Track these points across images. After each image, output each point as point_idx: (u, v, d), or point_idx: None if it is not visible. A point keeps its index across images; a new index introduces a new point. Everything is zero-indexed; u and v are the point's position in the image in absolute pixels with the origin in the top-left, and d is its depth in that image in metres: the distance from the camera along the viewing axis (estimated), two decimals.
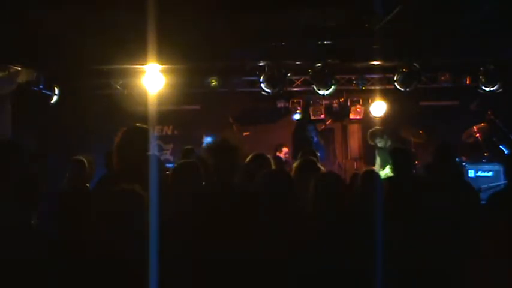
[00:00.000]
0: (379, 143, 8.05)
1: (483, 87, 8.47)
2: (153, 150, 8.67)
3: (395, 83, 8.49)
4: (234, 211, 3.56)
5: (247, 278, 3.21)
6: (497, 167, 7.68)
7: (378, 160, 8.01)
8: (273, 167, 4.56)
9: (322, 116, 9.46)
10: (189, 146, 7.12)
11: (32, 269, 2.99)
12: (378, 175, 4.95)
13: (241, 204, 3.63)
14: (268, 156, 4.71)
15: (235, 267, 3.21)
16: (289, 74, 8.64)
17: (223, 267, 3.22)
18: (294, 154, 9.06)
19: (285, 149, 8.56)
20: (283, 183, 3.57)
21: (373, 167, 7.72)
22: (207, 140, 8.61)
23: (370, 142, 8.18)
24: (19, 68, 7.37)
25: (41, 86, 8.29)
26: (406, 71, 8.32)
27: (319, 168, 4.49)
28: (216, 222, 3.44)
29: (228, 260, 3.24)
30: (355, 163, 9.27)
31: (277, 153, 8.27)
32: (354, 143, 9.43)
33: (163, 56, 7.88)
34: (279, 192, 3.50)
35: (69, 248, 3.22)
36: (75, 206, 3.80)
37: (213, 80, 8.64)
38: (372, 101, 9.31)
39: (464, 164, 7.77)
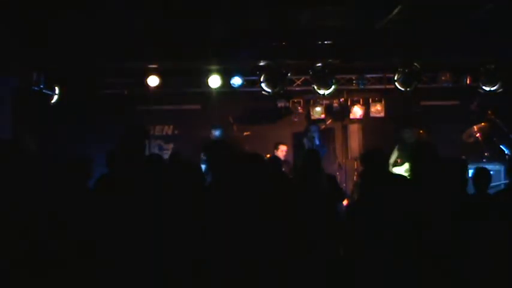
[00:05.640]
0: (406, 134, 8.10)
1: (483, 87, 8.48)
2: (153, 149, 8.74)
3: (396, 83, 8.49)
4: None
5: None
6: (497, 166, 7.66)
7: (394, 156, 8.04)
8: None
9: (323, 116, 9.46)
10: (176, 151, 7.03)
11: None
12: None
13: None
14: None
15: None
16: (289, 74, 8.64)
17: None
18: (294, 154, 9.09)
19: (282, 147, 8.47)
20: None
21: None
22: (216, 133, 8.52)
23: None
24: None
25: (41, 86, 8.29)
26: (407, 70, 8.32)
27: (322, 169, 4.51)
28: None
29: None
30: (355, 163, 9.26)
31: (275, 152, 8.23)
32: (354, 142, 9.41)
33: (164, 55, 7.94)
34: None
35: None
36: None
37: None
38: (373, 100, 9.32)
39: None
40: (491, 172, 7.55)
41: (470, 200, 3.79)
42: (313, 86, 8.57)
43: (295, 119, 9.56)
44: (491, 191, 4.28)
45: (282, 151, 8.35)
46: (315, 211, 3.99)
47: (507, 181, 4.00)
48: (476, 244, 3.45)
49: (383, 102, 9.31)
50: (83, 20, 6.62)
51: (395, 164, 8.00)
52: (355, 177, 8.90)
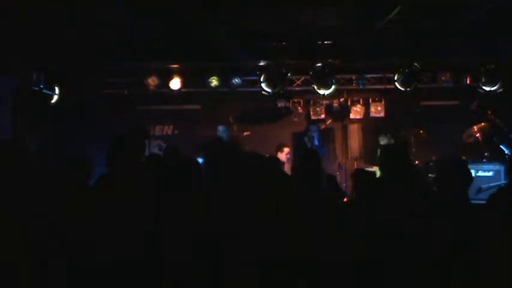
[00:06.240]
0: (382, 141, 8.25)
1: (483, 87, 8.49)
2: (153, 149, 8.74)
3: (396, 83, 8.50)
4: None
5: None
6: (497, 166, 7.67)
7: None
8: None
9: (323, 116, 9.46)
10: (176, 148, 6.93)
11: None
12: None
13: None
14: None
15: None
16: (289, 74, 8.64)
17: None
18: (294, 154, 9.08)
19: (286, 149, 8.48)
20: None
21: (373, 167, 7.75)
22: (221, 130, 8.55)
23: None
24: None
25: (41, 86, 8.29)
26: (407, 70, 8.33)
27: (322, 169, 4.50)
28: None
29: None
30: (355, 163, 9.26)
31: (278, 153, 8.20)
32: (354, 142, 9.41)
33: (164, 55, 7.95)
34: None
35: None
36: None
37: (213, 80, 8.64)
38: (373, 100, 9.32)
39: None
40: (491, 172, 7.68)
41: (466, 200, 3.80)
42: (313, 86, 8.58)
43: (295, 119, 9.57)
44: (491, 191, 4.27)
45: (286, 153, 8.34)
46: (315, 211, 3.98)
47: (507, 181, 3.99)
48: (476, 244, 3.45)
49: (383, 102, 9.31)
50: (83, 20, 6.62)
51: None
52: None
